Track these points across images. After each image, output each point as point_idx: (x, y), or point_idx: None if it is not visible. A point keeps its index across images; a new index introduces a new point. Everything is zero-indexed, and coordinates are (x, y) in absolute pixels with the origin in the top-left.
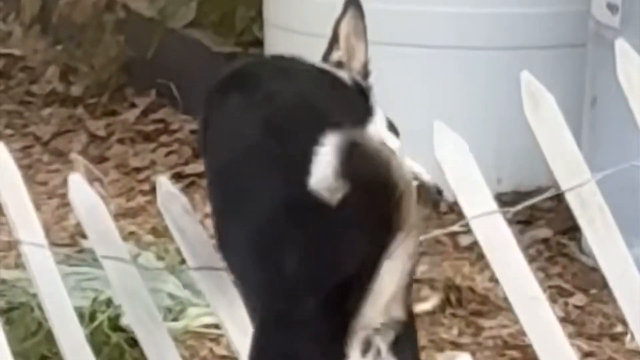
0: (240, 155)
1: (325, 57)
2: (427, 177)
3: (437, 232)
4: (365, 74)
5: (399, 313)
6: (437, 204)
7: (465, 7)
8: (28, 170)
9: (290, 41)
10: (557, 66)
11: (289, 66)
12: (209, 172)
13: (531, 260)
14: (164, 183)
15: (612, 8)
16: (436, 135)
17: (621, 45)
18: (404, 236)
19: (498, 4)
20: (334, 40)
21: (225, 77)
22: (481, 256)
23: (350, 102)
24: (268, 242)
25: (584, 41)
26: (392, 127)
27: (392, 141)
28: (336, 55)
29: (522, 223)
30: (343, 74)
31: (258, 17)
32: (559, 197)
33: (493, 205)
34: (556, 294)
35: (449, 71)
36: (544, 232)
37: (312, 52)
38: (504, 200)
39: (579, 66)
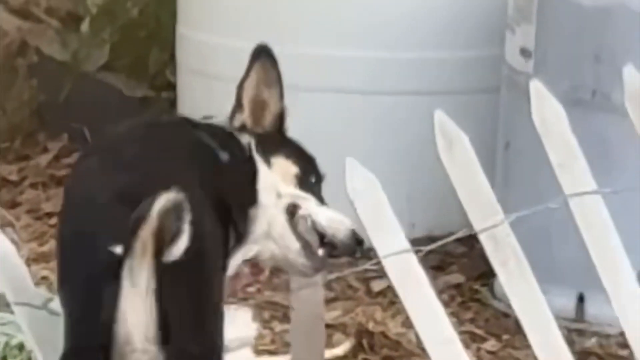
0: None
1: (231, 119)
2: (344, 233)
3: (348, 272)
4: (279, 123)
5: None
6: (353, 254)
7: (379, 51)
8: None
9: (202, 85)
10: (471, 111)
11: (160, 137)
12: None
13: (444, 305)
14: None
15: (525, 54)
16: (348, 172)
17: (536, 86)
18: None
19: (412, 48)
20: (237, 105)
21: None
22: (393, 302)
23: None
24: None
25: (498, 86)
26: (309, 182)
27: (305, 202)
28: (239, 120)
29: (434, 268)
30: (243, 139)
31: (171, 61)
32: (472, 243)
33: (405, 244)
34: (469, 340)
35: (361, 116)
36: (457, 278)
37: (224, 96)
38: (417, 245)
39: (493, 111)
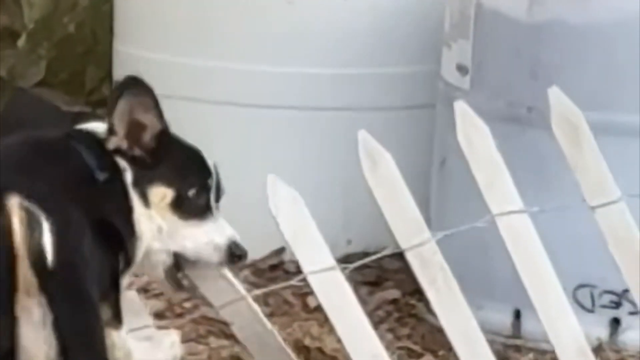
0: None
1: (105, 141)
2: (209, 253)
3: (275, 287)
4: (160, 141)
5: None
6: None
7: (313, 67)
8: None
9: None
10: (407, 127)
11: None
12: None
13: (380, 321)
14: None
15: (461, 69)
16: (270, 189)
17: (461, 107)
18: (25, 298)
19: (347, 64)
20: (109, 130)
21: None
22: None
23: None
24: None
25: (434, 102)
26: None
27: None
28: (113, 143)
29: (370, 284)
30: (120, 163)
31: (107, 77)
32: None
33: (331, 260)
34: (405, 356)
35: (296, 132)
36: (393, 293)
37: (165, 113)
38: (352, 261)
39: (429, 127)
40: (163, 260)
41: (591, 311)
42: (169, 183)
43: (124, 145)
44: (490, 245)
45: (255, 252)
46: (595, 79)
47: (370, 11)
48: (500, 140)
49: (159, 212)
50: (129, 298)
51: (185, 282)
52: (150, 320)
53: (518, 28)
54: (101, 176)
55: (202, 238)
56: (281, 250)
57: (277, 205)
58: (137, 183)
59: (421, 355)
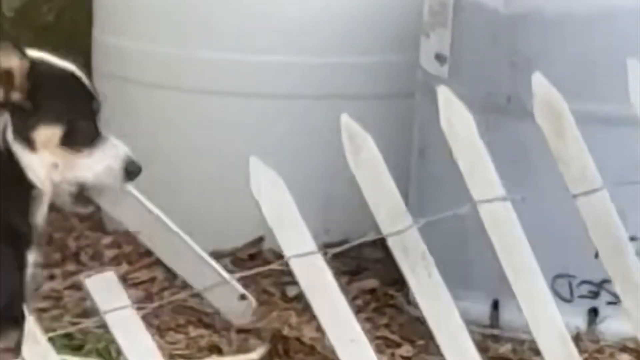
0: None
1: None
2: (107, 173)
3: (252, 272)
4: (31, 83)
5: None
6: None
7: (291, 56)
8: None
9: (118, 89)
10: (385, 116)
11: None
12: None
13: (358, 310)
14: None
15: (440, 59)
16: (252, 171)
17: (444, 92)
18: None
19: (326, 53)
20: None
21: None
22: (308, 307)
23: None
24: None
25: (413, 91)
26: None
27: None
28: None
29: (349, 274)
30: None
31: (87, 66)
32: (387, 248)
33: (312, 245)
34: (383, 345)
35: (274, 120)
36: (371, 283)
37: (141, 100)
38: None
39: (408, 116)
40: (67, 189)
41: (569, 301)
42: (54, 121)
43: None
44: (470, 235)
45: (235, 241)
46: (571, 68)
47: None
48: (479, 130)
49: (50, 151)
50: (107, 278)
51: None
52: (128, 301)
53: (496, 18)
54: None
55: (98, 166)
56: (260, 240)
57: (259, 187)
58: (20, 132)
59: (399, 345)
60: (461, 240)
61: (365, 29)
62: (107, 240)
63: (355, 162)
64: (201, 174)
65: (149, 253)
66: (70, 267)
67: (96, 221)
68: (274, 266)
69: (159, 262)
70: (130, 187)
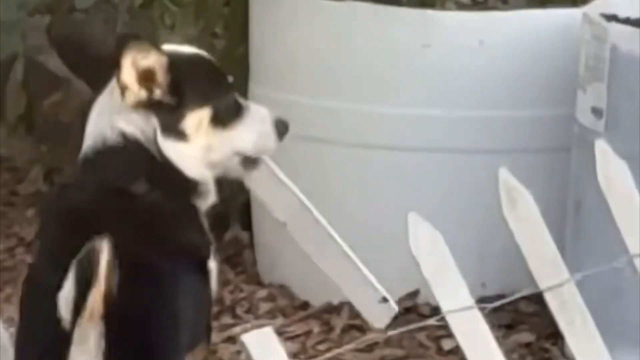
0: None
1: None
2: (265, 140)
3: (412, 327)
4: (171, 76)
5: None
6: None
7: (449, 110)
8: (12, 271)
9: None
10: (542, 169)
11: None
12: None
13: None
14: None
15: (596, 112)
16: (411, 227)
17: (601, 146)
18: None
19: (483, 106)
20: (122, 91)
21: None
22: None
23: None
24: None
25: (569, 145)
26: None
27: None
28: (132, 98)
29: (505, 327)
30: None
31: None
32: (543, 302)
33: (469, 300)
34: None
35: (432, 174)
36: (527, 337)
37: (296, 154)
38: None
39: (564, 170)
40: (232, 160)
41: None
42: (201, 105)
43: (143, 95)
44: (626, 288)
45: (390, 294)
46: None
47: (506, 54)
48: (636, 184)
49: (203, 135)
50: (264, 333)
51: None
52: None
53: None
54: (140, 188)
55: (252, 134)
56: (415, 293)
57: (418, 243)
58: (169, 129)
59: None
60: (617, 293)
61: (521, 84)
62: (262, 293)
63: (512, 217)
64: (356, 227)
65: (304, 306)
66: (226, 320)
67: (251, 274)
68: (431, 321)
69: (314, 315)
70: (283, 175)
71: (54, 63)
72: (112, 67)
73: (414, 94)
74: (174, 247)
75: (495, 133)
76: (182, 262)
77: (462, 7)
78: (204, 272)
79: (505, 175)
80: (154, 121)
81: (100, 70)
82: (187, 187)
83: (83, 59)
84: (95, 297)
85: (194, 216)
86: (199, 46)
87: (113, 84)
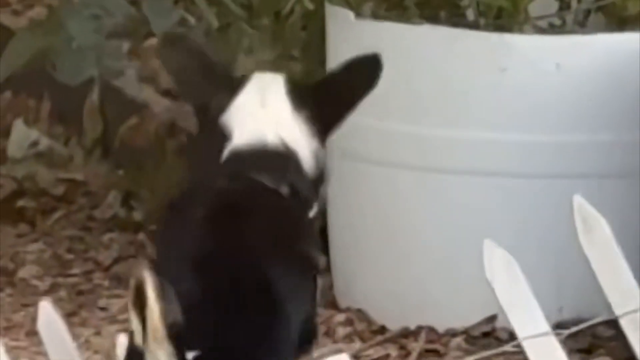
0: None
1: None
2: None
3: (487, 353)
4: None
5: None
6: None
7: (526, 135)
8: (89, 295)
9: (351, 167)
10: (617, 195)
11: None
12: None
13: None
14: None
15: None
16: (486, 255)
17: None
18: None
19: (560, 131)
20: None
21: None
22: None
23: None
24: None
25: None
26: None
27: None
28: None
29: (582, 352)
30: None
31: None
32: (620, 326)
33: (545, 326)
34: None
35: (509, 199)
36: None
37: (378, 180)
38: (565, 328)
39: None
40: None
41: None
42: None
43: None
44: None
45: (468, 319)
46: None
47: (583, 77)
48: None
49: None
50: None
51: None
52: None
53: None
54: (285, 191)
55: None
56: (493, 318)
57: (493, 270)
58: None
59: None
60: None
61: (599, 108)
62: (339, 317)
63: (587, 243)
64: (433, 252)
65: (382, 330)
66: None
67: (329, 298)
68: (508, 347)
69: (391, 339)
70: None
71: (130, 87)
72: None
73: (490, 118)
74: (303, 254)
75: (573, 157)
76: (308, 272)
77: (539, 31)
78: (316, 286)
79: (580, 202)
80: (315, 138)
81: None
82: (314, 201)
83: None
84: (153, 322)
85: (314, 229)
86: (277, 70)
87: (260, 86)
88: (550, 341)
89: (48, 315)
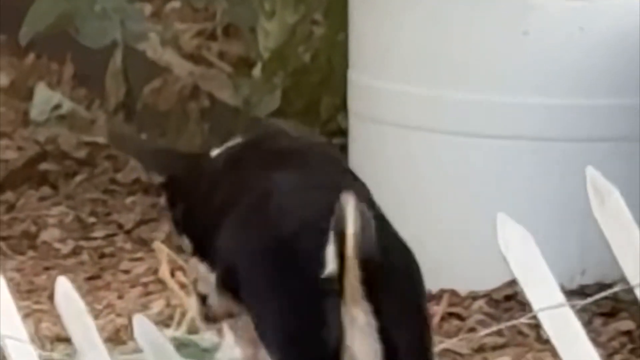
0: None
1: None
2: None
3: (500, 326)
4: None
5: None
6: None
7: (547, 98)
8: (111, 258)
9: (373, 131)
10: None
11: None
12: None
13: (614, 352)
14: None
15: None
16: (500, 228)
17: None
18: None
19: (581, 95)
20: None
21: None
22: None
23: None
24: None
25: None
26: None
27: None
28: None
29: (605, 315)
30: None
31: (343, 107)
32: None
33: (560, 297)
34: None
35: (530, 162)
36: (627, 325)
37: (396, 142)
38: (587, 292)
39: None
40: None
41: None
42: None
43: None
44: None
45: (490, 282)
46: None
47: (606, 42)
48: None
49: None
50: None
51: None
52: None
53: None
54: None
55: None
56: (515, 281)
57: (507, 243)
58: None
59: None
60: None
61: (623, 72)
62: None
63: (600, 214)
64: (454, 216)
65: None
66: None
67: None
68: (523, 320)
69: None
70: None
71: (153, 51)
72: None
73: (512, 81)
74: None
75: (596, 121)
76: None
77: None
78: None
79: (592, 173)
80: None
81: None
82: None
83: None
84: (351, 281)
85: None
86: (299, 33)
87: None
88: (566, 312)
89: (65, 291)
